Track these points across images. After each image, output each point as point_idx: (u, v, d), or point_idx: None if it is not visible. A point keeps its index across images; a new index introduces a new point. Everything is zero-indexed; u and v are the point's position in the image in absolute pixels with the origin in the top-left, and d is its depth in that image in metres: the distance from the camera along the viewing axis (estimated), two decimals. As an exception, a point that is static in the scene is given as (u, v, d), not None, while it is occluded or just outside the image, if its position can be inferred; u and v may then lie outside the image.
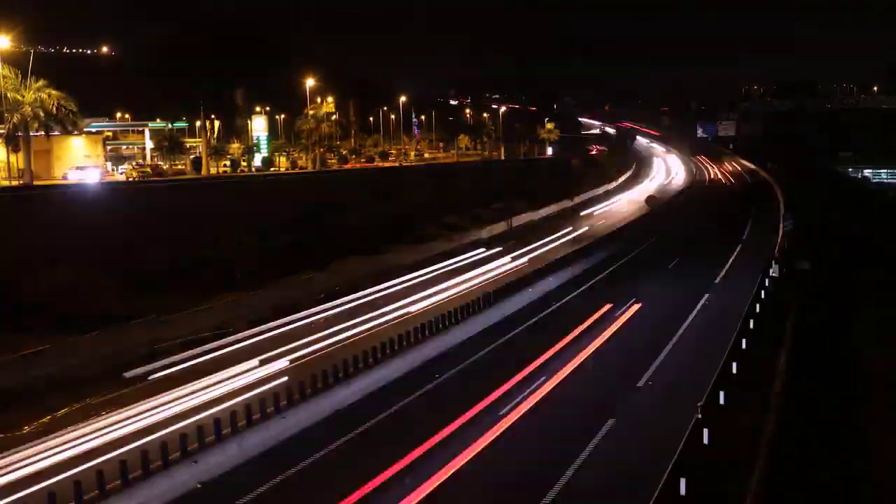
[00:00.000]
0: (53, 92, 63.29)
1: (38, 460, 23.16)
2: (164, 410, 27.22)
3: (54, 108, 62.93)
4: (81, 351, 32.63)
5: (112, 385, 30.08)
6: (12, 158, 67.08)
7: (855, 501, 20.29)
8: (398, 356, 33.49)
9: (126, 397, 28.87)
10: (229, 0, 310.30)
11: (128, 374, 31.32)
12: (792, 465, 21.20)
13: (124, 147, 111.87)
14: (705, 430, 22.63)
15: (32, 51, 71.50)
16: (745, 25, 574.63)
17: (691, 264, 55.11)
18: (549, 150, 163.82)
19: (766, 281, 43.69)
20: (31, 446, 24.18)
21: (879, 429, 24.50)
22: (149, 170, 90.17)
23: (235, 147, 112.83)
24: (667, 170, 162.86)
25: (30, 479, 22.07)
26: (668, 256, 57.22)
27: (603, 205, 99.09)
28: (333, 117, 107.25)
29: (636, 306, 41.45)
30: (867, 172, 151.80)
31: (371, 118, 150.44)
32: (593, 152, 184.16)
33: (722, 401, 25.28)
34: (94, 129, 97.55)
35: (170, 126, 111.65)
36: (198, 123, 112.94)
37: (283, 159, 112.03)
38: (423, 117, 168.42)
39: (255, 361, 32.66)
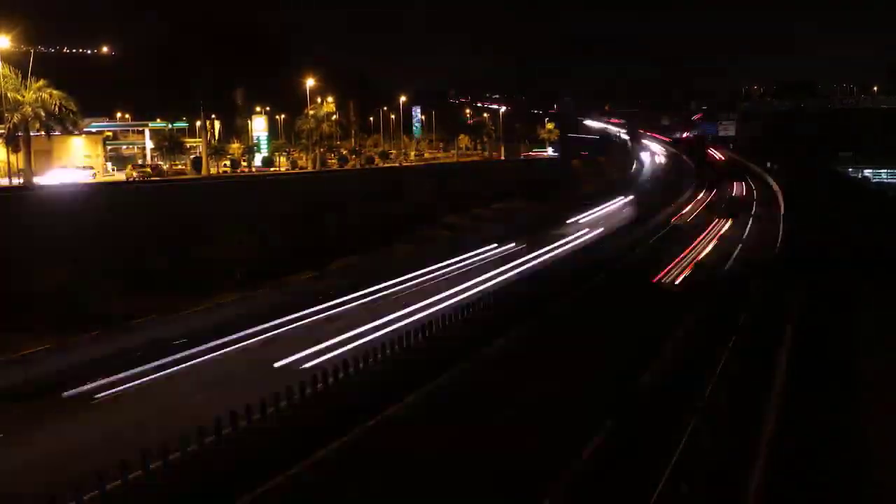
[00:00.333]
0: (54, 92, 63.24)
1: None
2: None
3: (56, 109, 62.91)
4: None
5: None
6: (12, 158, 67.08)
7: (855, 501, 20.30)
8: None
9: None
10: (229, 0, 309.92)
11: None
12: (792, 465, 21.23)
13: (124, 147, 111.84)
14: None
15: (32, 51, 71.48)
16: (745, 25, 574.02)
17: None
18: (550, 150, 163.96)
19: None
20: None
21: (879, 429, 24.51)
22: (149, 170, 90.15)
23: (235, 147, 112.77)
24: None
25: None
26: None
27: (605, 205, 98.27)
28: (333, 117, 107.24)
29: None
30: (867, 172, 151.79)
31: (371, 118, 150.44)
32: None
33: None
34: (94, 129, 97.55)
35: (170, 126, 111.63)
36: (198, 123, 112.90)
37: (283, 159, 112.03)
38: (423, 117, 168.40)
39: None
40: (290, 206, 59.42)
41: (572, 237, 68.72)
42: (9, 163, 67.74)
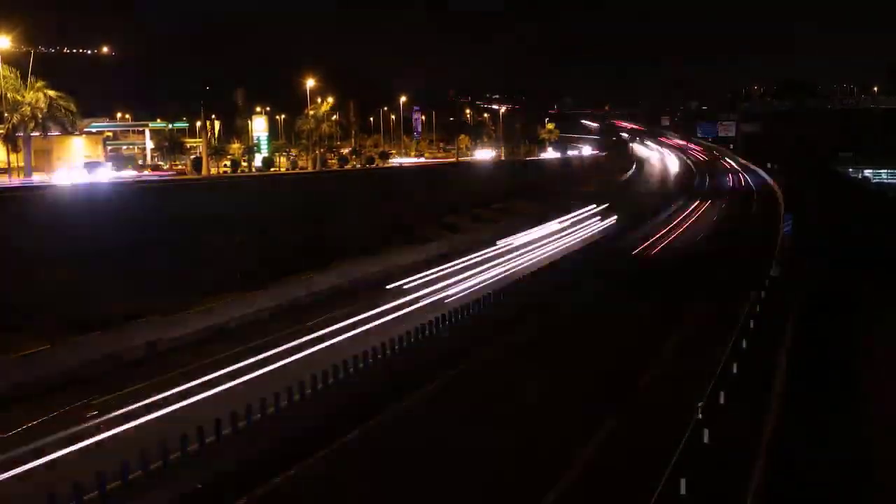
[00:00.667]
0: (52, 92, 63.29)
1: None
2: None
3: (58, 110, 62.97)
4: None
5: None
6: (12, 158, 67.10)
7: (855, 502, 20.27)
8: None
9: None
10: (230, 0, 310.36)
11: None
12: (792, 465, 21.21)
13: (125, 147, 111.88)
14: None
15: (32, 51, 71.52)
16: (745, 25, 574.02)
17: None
18: (550, 151, 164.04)
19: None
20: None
21: (880, 429, 24.50)
22: (149, 170, 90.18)
23: (236, 147, 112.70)
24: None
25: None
26: None
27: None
28: (333, 117, 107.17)
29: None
30: (867, 172, 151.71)
31: (371, 118, 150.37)
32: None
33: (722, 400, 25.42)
34: (94, 129, 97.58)
35: (170, 126, 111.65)
36: (198, 123, 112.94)
37: (283, 159, 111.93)
38: (423, 117, 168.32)
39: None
40: (290, 206, 59.40)
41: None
42: (8, 163, 67.76)
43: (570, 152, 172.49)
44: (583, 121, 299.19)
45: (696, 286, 48.82)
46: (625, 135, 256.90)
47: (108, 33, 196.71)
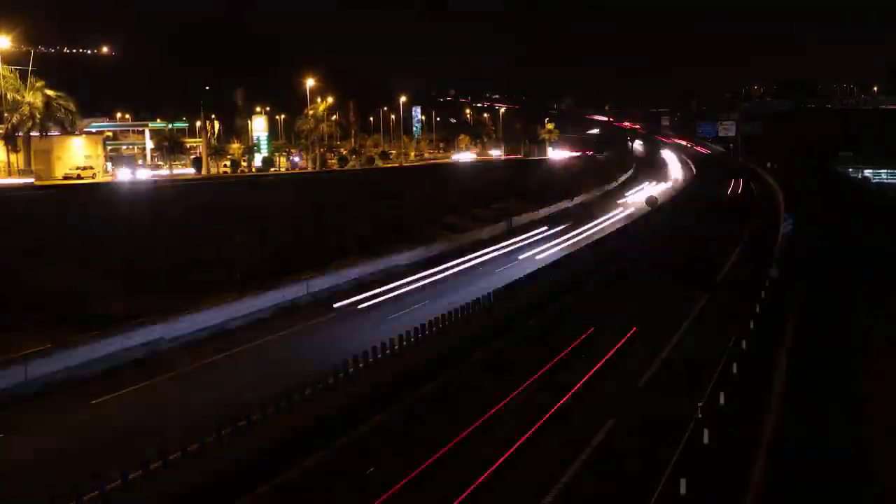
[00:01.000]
0: (51, 92, 63.30)
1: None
2: None
3: (57, 110, 62.99)
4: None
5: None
6: (12, 158, 67.08)
7: (855, 502, 20.26)
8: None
9: None
10: (230, 0, 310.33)
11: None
12: (792, 465, 21.21)
13: (124, 147, 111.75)
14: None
15: (32, 51, 71.53)
16: (746, 25, 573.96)
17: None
18: (550, 151, 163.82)
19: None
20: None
21: (880, 429, 24.48)
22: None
23: (235, 147, 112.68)
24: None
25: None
26: None
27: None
28: (333, 117, 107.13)
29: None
30: (867, 172, 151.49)
31: (371, 118, 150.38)
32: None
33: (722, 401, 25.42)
34: (94, 129, 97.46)
35: (170, 126, 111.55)
36: (198, 123, 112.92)
37: (283, 159, 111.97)
38: (423, 117, 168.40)
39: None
40: (290, 206, 59.53)
41: None
42: (8, 163, 67.77)
43: (571, 152, 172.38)
44: (585, 118, 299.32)
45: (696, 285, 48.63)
46: (630, 139, 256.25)
47: (108, 33, 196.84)
